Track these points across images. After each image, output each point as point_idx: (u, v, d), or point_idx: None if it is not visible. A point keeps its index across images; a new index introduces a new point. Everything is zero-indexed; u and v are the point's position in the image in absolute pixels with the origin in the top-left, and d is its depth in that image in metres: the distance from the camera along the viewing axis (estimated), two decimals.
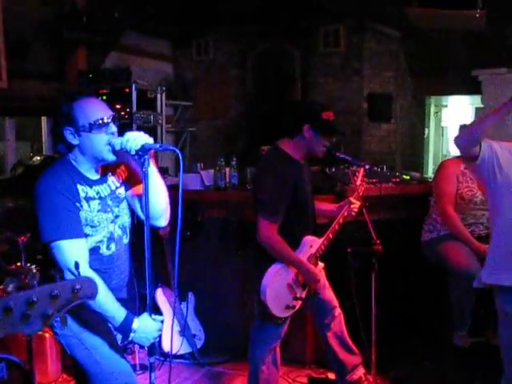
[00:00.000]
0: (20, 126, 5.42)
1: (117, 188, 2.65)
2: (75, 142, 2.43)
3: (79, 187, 2.47)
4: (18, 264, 3.74)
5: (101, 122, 2.39)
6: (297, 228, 3.26)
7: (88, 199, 2.49)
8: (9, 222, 3.84)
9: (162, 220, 2.62)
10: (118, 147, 2.37)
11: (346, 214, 3.50)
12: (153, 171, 2.42)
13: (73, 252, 2.36)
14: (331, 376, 4.01)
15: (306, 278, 3.30)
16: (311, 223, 3.44)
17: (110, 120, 2.42)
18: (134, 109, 5.21)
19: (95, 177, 2.57)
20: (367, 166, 3.62)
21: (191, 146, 7.07)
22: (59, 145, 2.49)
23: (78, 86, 5.33)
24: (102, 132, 2.41)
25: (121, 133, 2.45)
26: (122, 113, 5.24)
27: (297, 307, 3.39)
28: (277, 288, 3.21)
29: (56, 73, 5.44)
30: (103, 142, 2.42)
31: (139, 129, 5.20)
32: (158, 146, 2.32)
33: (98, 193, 2.54)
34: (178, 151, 2.33)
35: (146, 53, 6.28)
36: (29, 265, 3.71)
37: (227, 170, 4.58)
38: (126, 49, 5.94)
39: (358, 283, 3.62)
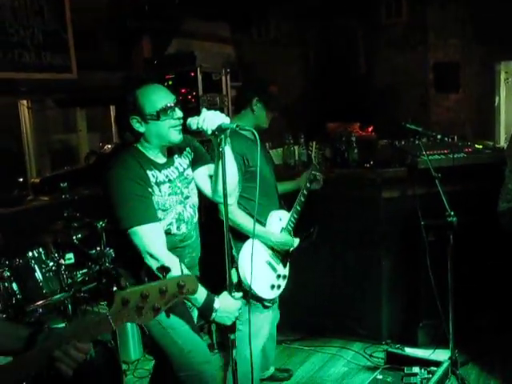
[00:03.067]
0: (90, 117, 5.56)
1: (184, 170, 2.67)
2: (142, 129, 2.46)
3: (149, 173, 2.49)
4: (98, 248, 3.94)
5: (167, 108, 2.42)
6: (261, 204, 3.16)
7: (158, 184, 2.51)
8: (87, 209, 3.99)
9: (232, 198, 2.66)
10: (194, 127, 2.38)
11: (309, 184, 3.52)
12: (228, 151, 2.43)
13: (150, 236, 2.38)
14: (409, 351, 4.01)
15: (280, 248, 3.32)
16: (275, 198, 3.45)
17: (175, 105, 2.45)
18: (200, 92, 5.20)
19: (163, 160, 2.59)
20: (438, 136, 3.55)
21: None
22: (125, 133, 2.52)
23: (143, 73, 5.38)
24: (168, 118, 2.43)
25: (186, 117, 2.47)
26: (189, 97, 5.24)
27: (282, 287, 3.37)
28: (256, 267, 3.19)
29: (122, 62, 5.52)
30: (170, 127, 2.45)
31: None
32: (234, 125, 2.31)
33: (167, 176, 2.57)
34: (255, 131, 2.35)
35: (208, 36, 6.30)
36: (108, 249, 3.94)
37: (296, 148, 4.58)
38: (188, 34, 5.95)
39: (433, 256, 3.60)
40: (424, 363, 3.62)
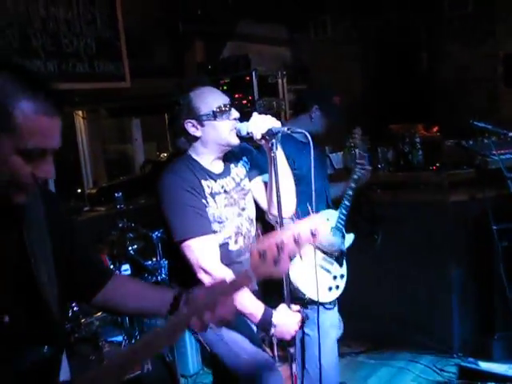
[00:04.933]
0: (146, 126, 5.60)
1: (241, 180, 2.64)
2: (198, 133, 2.44)
3: (204, 183, 2.47)
4: (154, 259, 3.94)
5: (224, 107, 2.41)
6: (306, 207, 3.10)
7: (214, 194, 2.49)
8: (142, 219, 4.01)
9: (289, 208, 2.57)
10: (243, 132, 2.38)
11: (356, 176, 3.43)
12: (281, 156, 2.40)
13: (204, 250, 2.36)
14: (483, 365, 3.84)
15: (329, 249, 3.25)
16: (323, 198, 3.38)
17: (230, 105, 2.44)
18: (256, 96, 5.21)
19: (219, 170, 2.56)
20: (510, 134, 3.42)
21: None
22: (179, 140, 2.51)
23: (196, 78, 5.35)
24: (225, 118, 2.42)
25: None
26: (244, 101, 5.27)
27: (341, 287, 3.30)
28: (309, 272, 3.04)
29: (175, 68, 5.53)
30: (228, 128, 2.43)
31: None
32: (285, 129, 2.30)
33: (222, 187, 2.53)
34: (308, 134, 2.29)
35: (263, 39, 6.28)
36: (164, 260, 3.94)
37: (357, 151, 4.48)
38: (243, 37, 5.95)
39: (507, 263, 3.54)
40: (500, 379, 3.46)
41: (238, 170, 2.66)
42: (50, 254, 1.52)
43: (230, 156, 2.60)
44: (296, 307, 2.41)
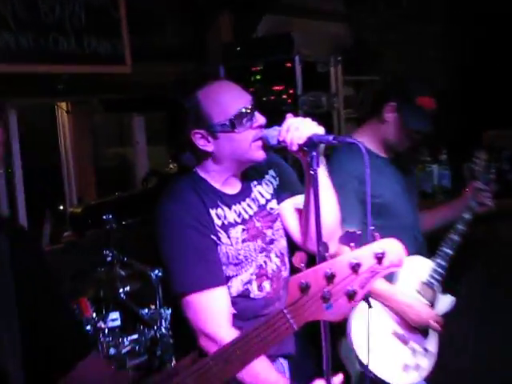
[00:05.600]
0: (151, 125, 5.63)
1: (267, 202, 2.60)
2: (209, 148, 2.38)
3: (213, 213, 2.43)
4: (153, 307, 3.95)
5: (245, 112, 2.34)
6: None
7: (227, 227, 2.44)
8: (139, 252, 3.93)
9: (331, 243, 2.47)
10: (272, 141, 2.32)
11: (469, 215, 3.29)
12: (323, 174, 2.33)
13: (208, 309, 2.33)
14: None
15: (415, 319, 3.12)
16: (411, 237, 3.26)
17: (253, 108, 2.38)
18: (300, 90, 5.17)
19: (235, 190, 2.53)
20: None
21: None
22: (185, 155, 2.45)
23: (221, 64, 5.38)
24: (247, 126, 2.35)
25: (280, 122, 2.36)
26: (284, 96, 5.25)
27: (425, 366, 3.16)
28: (377, 341, 3.04)
29: (193, 49, 5.58)
30: (250, 140, 2.37)
31: (306, 115, 5.26)
32: (330, 138, 2.20)
33: (240, 214, 2.50)
34: (360, 145, 2.14)
35: (311, 12, 6.25)
36: (165, 308, 3.89)
37: (434, 167, 4.46)
38: (285, 9, 5.94)
39: None
40: None
41: (262, 188, 2.61)
42: (14, 305, 1.57)
43: (250, 169, 2.56)
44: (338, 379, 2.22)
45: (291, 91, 5.21)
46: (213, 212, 2.42)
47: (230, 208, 2.47)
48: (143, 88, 5.01)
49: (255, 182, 2.59)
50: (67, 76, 4.55)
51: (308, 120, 2.27)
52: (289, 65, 5.26)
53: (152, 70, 5.02)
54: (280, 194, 2.62)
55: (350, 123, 6.58)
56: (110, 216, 4.11)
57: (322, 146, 2.24)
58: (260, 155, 2.40)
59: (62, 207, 5.15)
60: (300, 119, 2.28)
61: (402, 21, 6.66)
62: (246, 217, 2.50)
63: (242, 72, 5.28)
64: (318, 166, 2.20)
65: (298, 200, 2.57)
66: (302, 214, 2.51)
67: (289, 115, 2.32)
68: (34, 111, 5.16)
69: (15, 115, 4.67)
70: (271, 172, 2.64)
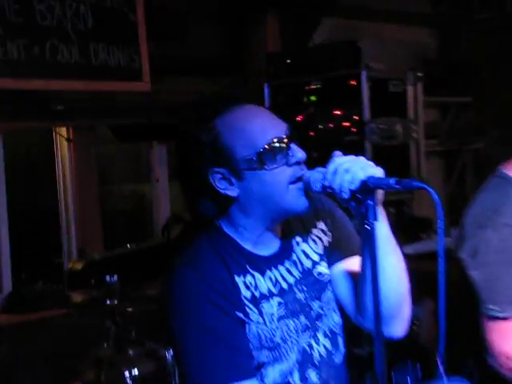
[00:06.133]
0: (175, 157, 5.60)
1: (314, 265, 2.50)
2: (233, 192, 2.29)
3: (240, 281, 2.34)
4: None
5: (278, 144, 2.26)
6: None
7: (259, 301, 2.36)
8: (152, 326, 3.95)
9: (397, 324, 2.43)
10: (317, 186, 2.21)
11: None
12: (384, 229, 2.24)
13: None
14: None
15: None
16: None
17: (289, 139, 2.29)
18: (367, 115, 5.14)
19: (270, 250, 2.43)
20: None
21: (475, 176, 6.77)
22: (202, 202, 2.36)
23: (265, 80, 5.42)
24: (281, 163, 2.26)
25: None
26: (346, 123, 5.23)
27: None
28: None
29: (229, 62, 5.67)
30: (287, 181, 2.27)
31: (376, 149, 5.11)
32: (391, 181, 2.08)
33: (276, 283, 2.41)
34: (432, 191, 2.03)
35: (385, 14, 6.27)
36: None
37: None
38: (349, 10, 5.98)
39: None
40: None
41: (308, 246, 2.52)
42: None
43: (292, 221, 2.48)
44: None
45: (356, 117, 5.20)
46: (240, 280, 2.34)
47: (263, 274, 2.39)
48: (165, 111, 5.05)
49: (298, 239, 2.50)
50: (68, 94, 4.62)
51: (362, 159, 2.17)
52: (353, 82, 5.26)
53: (176, 88, 5.07)
54: (332, 253, 2.54)
55: (432, 158, 6.49)
56: (115, 277, 4.11)
57: (381, 192, 2.17)
58: (300, 203, 2.31)
59: (57, 260, 5.20)
60: (351, 158, 2.19)
61: (505, 25, 6.61)
62: (285, 286, 2.41)
63: (292, 91, 5.32)
64: (375, 218, 2.12)
65: (355, 262, 2.48)
66: (358, 280, 2.44)
67: (336, 153, 2.22)
68: (26, 138, 5.21)
69: (1, 142, 4.70)
70: (321, 224, 2.54)
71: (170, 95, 4.97)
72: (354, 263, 2.48)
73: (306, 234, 2.52)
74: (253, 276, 2.36)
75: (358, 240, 2.48)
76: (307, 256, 2.50)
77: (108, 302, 4.08)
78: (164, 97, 4.95)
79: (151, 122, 5.19)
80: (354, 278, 2.50)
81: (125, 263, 4.71)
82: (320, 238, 2.54)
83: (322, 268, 2.51)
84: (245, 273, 2.35)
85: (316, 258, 2.51)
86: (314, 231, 2.54)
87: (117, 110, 4.91)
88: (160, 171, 5.63)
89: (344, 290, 2.53)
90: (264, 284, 2.38)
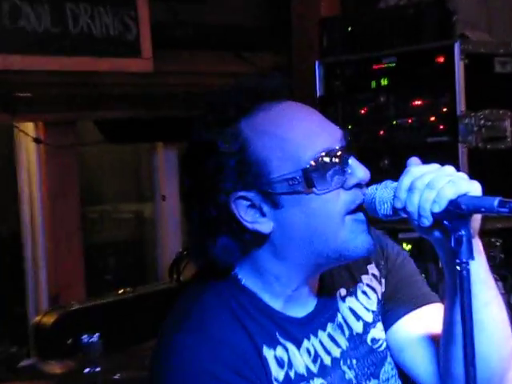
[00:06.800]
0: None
1: (367, 327, 2.47)
2: (265, 227, 2.19)
3: (269, 356, 2.25)
4: None
5: (331, 159, 2.16)
6: None
7: (293, 381, 2.27)
8: None
9: None
10: (385, 210, 2.13)
11: None
12: (481, 272, 2.15)
13: None
14: None
15: None
16: None
17: (345, 152, 2.22)
18: (461, 106, 5.01)
19: (305, 310, 2.38)
20: None
21: None
22: (218, 241, 2.20)
23: (318, 57, 5.38)
24: (336, 185, 2.17)
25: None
26: (432, 118, 5.17)
27: None
28: None
29: (269, 32, 5.74)
30: (342, 210, 2.18)
31: (474, 155, 5.21)
32: (495, 201, 1.93)
33: (316, 356, 2.34)
34: None
35: None
36: None
37: None
38: None
39: None
40: None
41: (357, 301, 2.51)
42: None
43: (337, 269, 2.46)
44: None
45: (445, 109, 5.10)
46: (270, 355, 2.25)
47: (298, 345, 2.31)
48: (172, 100, 5.16)
49: (343, 291, 2.48)
50: (36, 77, 4.75)
51: (451, 170, 2.06)
52: (442, 59, 5.12)
53: (189, 69, 5.17)
54: (390, 309, 2.52)
55: None
56: (96, 337, 4.19)
57: (478, 217, 2.06)
58: (362, 243, 2.23)
59: (21, 311, 5.47)
60: (435, 168, 2.09)
61: None
62: (328, 361, 2.36)
63: (354, 72, 5.34)
64: (470, 256, 1.99)
65: (425, 315, 2.47)
66: (440, 341, 2.35)
67: (414, 160, 2.11)
68: None
69: None
70: (372, 268, 2.51)
71: (179, 78, 4.98)
72: (421, 316, 2.47)
73: (353, 284, 2.50)
74: (285, 349, 2.29)
75: (424, 284, 2.55)
76: (357, 316, 2.48)
77: (87, 370, 4.11)
78: (171, 80, 5.00)
79: (152, 116, 5.07)
80: (429, 338, 2.47)
81: (114, 317, 4.85)
82: (373, 289, 2.52)
83: (377, 331, 2.49)
84: (275, 344, 2.27)
85: (369, 317, 2.49)
86: (365, 279, 2.52)
87: (105, 98, 4.87)
88: (167, 185, 5.56)
89: (412, 356, 2.49)
90: (300, 359, 2.30)
